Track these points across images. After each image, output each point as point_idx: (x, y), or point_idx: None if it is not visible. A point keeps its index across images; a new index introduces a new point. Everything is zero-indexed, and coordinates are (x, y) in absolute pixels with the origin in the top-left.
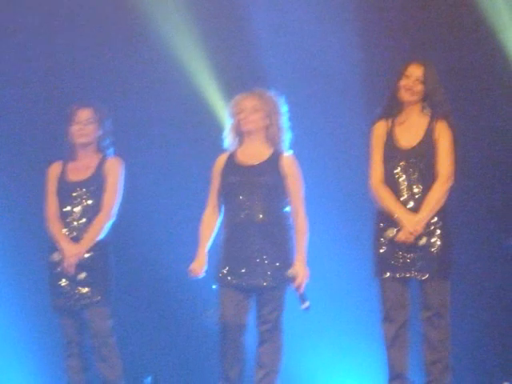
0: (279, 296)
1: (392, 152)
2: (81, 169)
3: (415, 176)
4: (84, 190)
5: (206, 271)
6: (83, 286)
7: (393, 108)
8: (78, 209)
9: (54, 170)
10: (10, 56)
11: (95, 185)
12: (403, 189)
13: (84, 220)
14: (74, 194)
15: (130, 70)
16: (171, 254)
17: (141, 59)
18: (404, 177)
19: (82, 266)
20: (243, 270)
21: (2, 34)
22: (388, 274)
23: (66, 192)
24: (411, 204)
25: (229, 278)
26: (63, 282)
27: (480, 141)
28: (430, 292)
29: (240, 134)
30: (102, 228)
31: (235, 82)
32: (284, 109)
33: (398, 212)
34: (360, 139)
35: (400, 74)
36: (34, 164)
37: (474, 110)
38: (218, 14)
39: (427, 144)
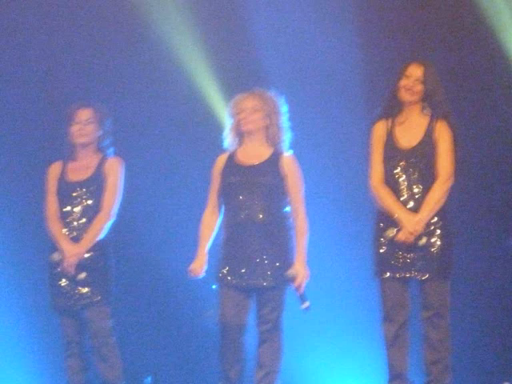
0: (279, 296)
1: (392, 152)
2: (81, 169)
3: (415, 176)
4: (84, 189)
5: (206, 271)
6: (83, 286)
7: (393, 108)
8: (78, 209)
9: (54, 169)
10: (10, 56)
11: (95, 185)
12: (403, 189)
13: (84, 220)
14: (74, 194)
15: (130, 70)
16: (171, 253)
17: (141, 59)
18: (404, 177)
19: (82, 265)
20: (243, 270)
21: (2, 34)
22: (388, 274)
23: (65, 192)
24: (411, 204)
25: (229, 277)
26: (63, 282)
27: (480, 141)
28: (430, 292)
29: (240, 134)
30: (101, 228)
31: (235, 82)
32: (284, 109)
33: (398, 212)
34: (360, 139)
35: (400, 74)
36: (33, 164)
37: (474, 110)
38: (218, 14)
39: (427, 144)
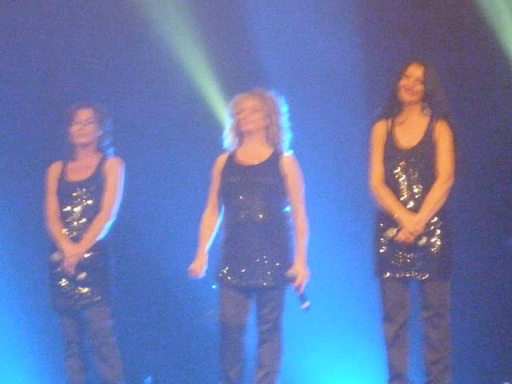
0: (279, 296)
1: (392, 152)
2: (81, 169)
3: (415, 176)
4: (84, 189)
5: (206, 271)
6: (83, 286)
7: (393, 108)
8: (78, 209)
9: (54, 170)
10: (10, 56)
11: (95, 185)
12: (403, 189)
13: (84, 220)
14: (74, 194)
15: (130, 70)
16: (171, 253)
17: (141, 59)
18: (404, 177)
19: (82, 265)
20: (243, 270)
21: (2, 34)
22: (388, 274)
23: (65, 192)
24: (411, 204)
25: (229, 277)
26: (63, 282)
27: (480, 141)
28: (430, 292)
29: (240, 134)
30: (101, 228)
31: (235, 82)
32: (284, 109)
33: (398, 212)
34: (360, 139)
35: (400, 74)
36: (34, 164)
37: (474, 110)
38: (218, 14)
39: (427, 144)
